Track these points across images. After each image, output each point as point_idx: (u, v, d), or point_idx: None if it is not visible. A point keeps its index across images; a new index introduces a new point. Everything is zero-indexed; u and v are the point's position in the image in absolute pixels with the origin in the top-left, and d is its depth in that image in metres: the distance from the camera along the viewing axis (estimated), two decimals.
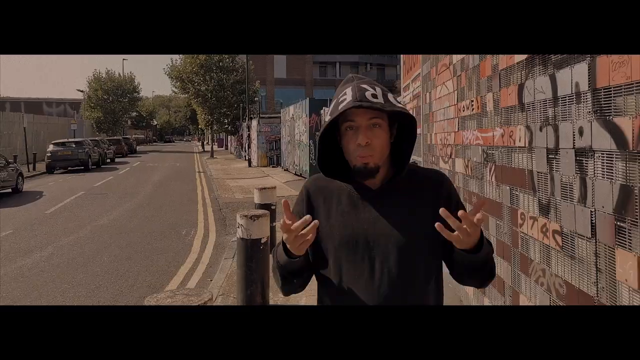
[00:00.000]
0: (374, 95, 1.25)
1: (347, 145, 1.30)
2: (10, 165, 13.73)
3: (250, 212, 4.62)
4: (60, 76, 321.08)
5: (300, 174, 15.96)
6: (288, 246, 1.26)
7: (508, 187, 3.09)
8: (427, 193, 1.35)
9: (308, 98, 16.16)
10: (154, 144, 75.00)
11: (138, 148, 45.26)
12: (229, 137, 39.31)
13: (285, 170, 19.40)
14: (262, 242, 4.44)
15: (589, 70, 2.07)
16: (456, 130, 4.45)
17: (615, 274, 1.90)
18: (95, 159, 23.72)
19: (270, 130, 22.46)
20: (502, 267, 3.25)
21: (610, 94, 1.91)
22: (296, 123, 16.68)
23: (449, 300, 2.00)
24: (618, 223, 1.87)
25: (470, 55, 3.96)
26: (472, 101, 3.90)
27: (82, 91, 43.13)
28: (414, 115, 7.49)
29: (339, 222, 1.34)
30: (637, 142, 1.75)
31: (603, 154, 1.97)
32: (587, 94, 2.09)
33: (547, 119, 2.50)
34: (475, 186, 3.86)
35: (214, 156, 32.22)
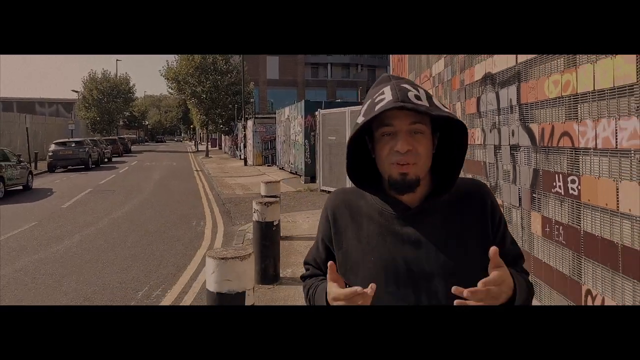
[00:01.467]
0: (417, 97, 1.07)
1: (381, 152, 1.11)
2: (21, 163, 14.48)
3: (264, 199, 5.52)
4: (51, 76, 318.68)
5: (296, 172, 16.82)
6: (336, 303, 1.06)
7: (470, 176, 4.01)
8: (471, 210, 1.16)
9: (303, 100, 17.01)
10: (146, 144, 75.44)
11: (131, 148, 45.84)
12: (223, 137, 40.11)
13: (280, 168, 20.24)
14: (274, 224, 5.34)
15: (517, 91, 2.99)
16: None
17: (531, 228, 2.83)
18: (94, 158, 24.41)
19: (266, 130, 23.30)
20: None
21: (528, 108, 2.84)
22: (291, 124, 17.55)
23: None
24: (532, 194, 2.80)
25: (445, 70, 4.88)
26: (448, 106, 4.82)
27: (77, 91, 43.59)
28: None
29: (373, 246, 1.15)
30: (540, 140, 2.67)
31: (524, 148, 2.90)
32: (516, 107, 3.01)
33: (494, 124, 3.43)
34: None
35: (209, 156, 33.02)
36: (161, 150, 47.78)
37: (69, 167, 22.63)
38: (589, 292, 2.21)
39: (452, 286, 0.99)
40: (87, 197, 12.81)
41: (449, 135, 1.16)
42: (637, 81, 1.81)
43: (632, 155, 1.85)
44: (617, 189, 1.95)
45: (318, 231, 1.29)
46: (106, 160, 28.47)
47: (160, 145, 69.63)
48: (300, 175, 15.73)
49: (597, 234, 2.12)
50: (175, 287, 5.39)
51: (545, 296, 2.69)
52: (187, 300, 4.98)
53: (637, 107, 1.82)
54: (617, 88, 1.94)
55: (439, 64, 5.10)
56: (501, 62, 3.24)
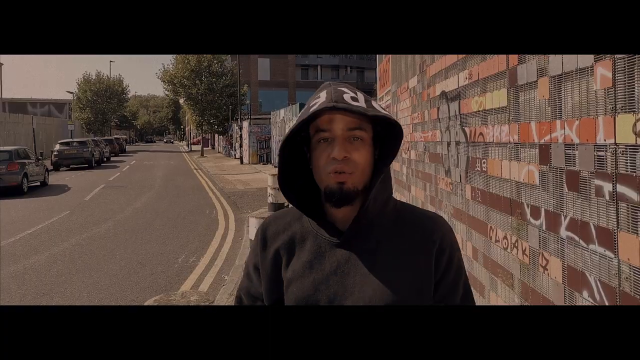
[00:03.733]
0: (354, 99, 0.99)
1: (317, 161, 1.00)
2: (39, 161, 15.73)
3: (276, 184, 6.96)
4: (42, 76, 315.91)
5: None
6: None
7: (433, 165, 5.49)
8: (414, 240, 1.03)
9: (298, 103, 18.45)
10: (136, 144, 76.30)
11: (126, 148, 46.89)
12: (216, 136, 41.41)
13: (275, 166, 21.68)
14: (285, 205, 6.79)
15: (458, 105, 4.46)
16: (411, 132, 6.85)
17: (466, 196, 4.31)
18: (96, 157, 25.61)
19: (260, 130, 24.71)
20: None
21: (464, 117, 4.31)
22: (286, 125, 18.98)
23: None
24: (467, 173, 4.28)
25: (417, 85, 6.35)
26: (419, 114, 6.30)
27: (71, 92, 44.57)
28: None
29: (298, 275, 1.04)
30: (470, 138, 4.15)
31: (462, 143, 4.37)
32: (459, 116, 4.49)
33: (447, 127, 4.90)
34: (420, 166, 6.26)
35: (204, 155, 34.30)
36: (154, 150, 48.91)
37: (70, 166, 23.82)
38: (491, 228, 3.69)
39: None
40: (104, 192, 14.13)
41: (391, 147, 1.06)
42: (507, 105, 3.29)
43: (507, 146, 3.33)
44: (501, 165, 3.43)
45: (248, 261, 1.17)
46: (105, 159, 29.64)
47: (152, 145, 70.38)
48: None
49: (494, 192, 3.60)
50: (205, 256, 6.79)
51: (467, 235, 4.16)
52: (218, 264, 6.38)
53: (508, 118, 3.29)
54: (501, 108, 3.41)
55: (413, 80, 6.58)
56: (451, 84, 4.70)
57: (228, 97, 32.52)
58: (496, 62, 3.52)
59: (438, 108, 5.24)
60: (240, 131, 26.44)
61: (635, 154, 2.01)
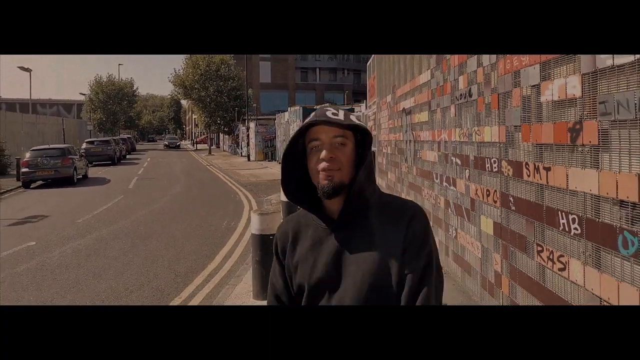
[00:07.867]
0: (335, 114, 1.27)
1: (310, 162, 1.28)
2: (82, 157, 18.43)
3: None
4: (43, 77, 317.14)
5: None
6: None
7: (399, 155, 8.22)
8: (397, 226, 1.25)
9: (301, 107, 21.16)
10: (140, 143, 78.77)
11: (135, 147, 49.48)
12: (222, 136, 44.13)
13: (279, 163, 24.35)
14: None
15: (411, 117, 7.19)
16: (388, 133, 9.59)
17: (414, 173, 7.05)
18: (118, 155, 28.26)
19: (266, 130, 27.43)
20: (397, 191, 8.42)
21: (413, 125, 7.04)
22: (290, 126, 21.70)
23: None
24: (414, 159, 7.01)
25: (391, 101, 9.07)
26: (393, 121, 9.03)
27: (83, 94, 47.20)
28: (374, 128, 13.40)
29: (303, 258, 1.31)
30: (415, 138, 6.88)
31: (412, 142, 7.10)
32: (411, 124, 7.21)
33: (406, 130, 7.63)
34: (392, 158, 8.99)
35: (212, 153, 36.99)
36: (161, 149, 51.53)
37: (94, 163, 26.40)
38: (423, 189, 6.42)
39: (359, 297, 1.20)
40: (141, 182, 16.82)
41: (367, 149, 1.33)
42: (428, 120, 6.03)
43: (427, 142, 6.07)
44: (426, 153, 6.16)
45: (273, 268, 1.39)
46: (123, 157, 32.28)
47: (157, 144, 72.76)
48: None
49: (424, 169, 6.33)
50: (242, 221, 9.48)
51: (414, 199, 6.88)
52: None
53: (428, 128, 6.03)
54: (426, 121, 6.15)
55: (389, 97, 9.31)
56: (407, 104, 7.42)
57: (235, 99, 35.25)
58: (424, 95, 6.28)
59: (401, 118, 7.98)
60: (248, 131, 29.15)
61: (460, 145, 4.77)
